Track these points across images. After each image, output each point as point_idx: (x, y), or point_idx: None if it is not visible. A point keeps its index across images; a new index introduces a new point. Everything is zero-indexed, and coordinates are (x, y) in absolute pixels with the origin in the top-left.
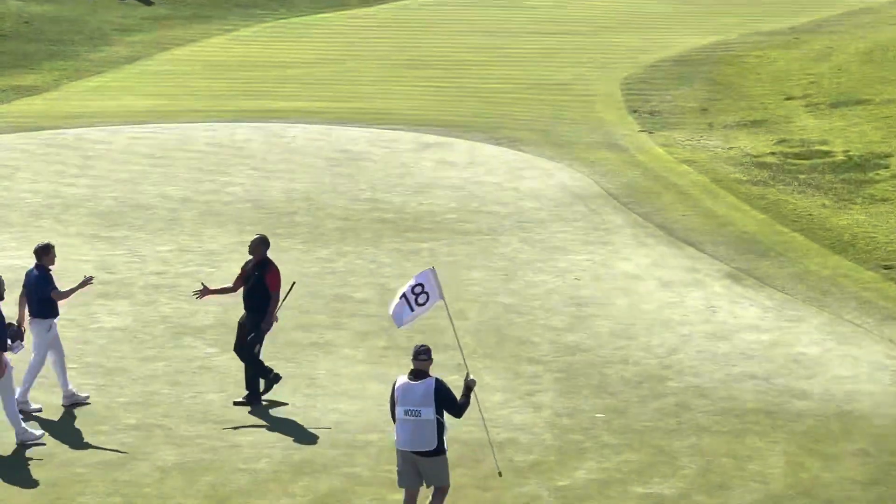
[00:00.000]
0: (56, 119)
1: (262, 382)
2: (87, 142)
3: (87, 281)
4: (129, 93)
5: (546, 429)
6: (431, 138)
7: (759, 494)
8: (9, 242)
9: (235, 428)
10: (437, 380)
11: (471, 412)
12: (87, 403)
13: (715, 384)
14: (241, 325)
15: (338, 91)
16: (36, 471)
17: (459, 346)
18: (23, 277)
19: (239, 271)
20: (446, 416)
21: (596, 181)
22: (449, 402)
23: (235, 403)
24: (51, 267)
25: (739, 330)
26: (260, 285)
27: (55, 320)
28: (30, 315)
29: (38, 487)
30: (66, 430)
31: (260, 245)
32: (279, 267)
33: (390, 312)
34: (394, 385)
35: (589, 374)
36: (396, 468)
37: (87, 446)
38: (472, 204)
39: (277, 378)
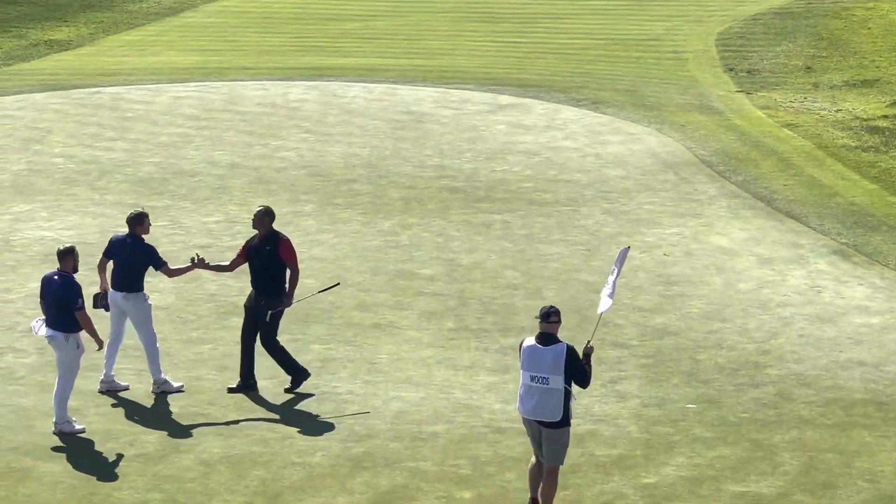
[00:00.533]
0: (91, 76)
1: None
2: (126, 102)
3: (197, 263)
4: (172, 48)
5: (631, 420)
6: (505, 99)
7: (867, 494)
8: (39, 212)
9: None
10: (567, 346)
11: None
12: (126, 388)
13: (819, 372)
14: (249, 309)
15: (402, 47)
16: (68, 463)
17: (597, 322)
18: (55, 248)
19: (240, 248)
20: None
21: (687, 147)
22: (579, 372)
23: (230, 390)
24: (144, 236)
25: (847, 312)
26: (273, 260)
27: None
28: (112, 288)
29: (71, 482)
30: (101, 419)
31: (264, 217)
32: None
33: (607, 303)
34: (521, 346)
35: (679, 360)
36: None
37: (125, 437)
38: (550, 172)
39: (306, 374)
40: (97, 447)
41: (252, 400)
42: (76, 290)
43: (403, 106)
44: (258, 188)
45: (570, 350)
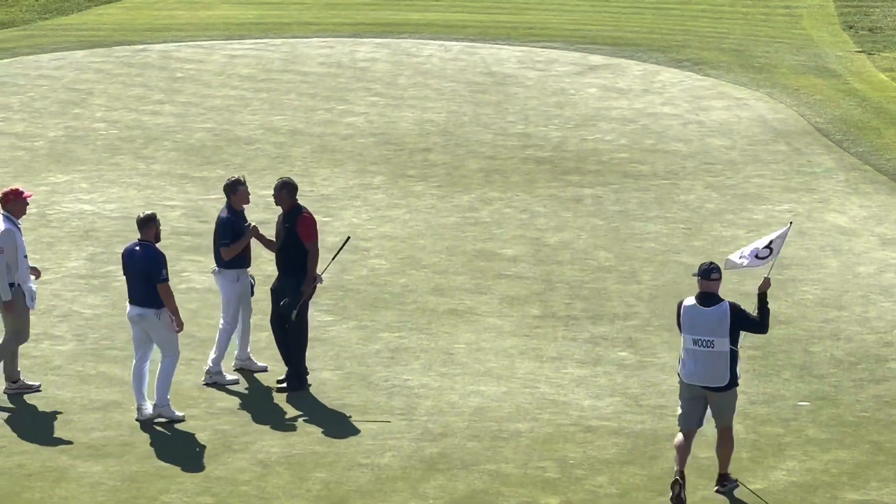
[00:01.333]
0: (137, 32)
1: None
2: (175, 60)
3: (251, 231)
4: (227, 0)
5: (737, 419)
6: (597, 59)
7: None
8: (79, 183)
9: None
10: (731, 304)
11: (644, 397)
12: (265, 369)
13: None
14: (275, 292)
15: (482, 1)
16: (112, 463)
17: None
18: (96, 224)
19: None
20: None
21: (801, 114)
22: (750, 324)
23: (279, 383)
24: (244, 206)
25: None
26: (292, 239)
27: (245, 270)
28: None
29: (113, 483)
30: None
31: (282, 191)
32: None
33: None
34: (679, 306)
35: (791, 353)
36: (679, 405)
37: (174, 434)
38: (647, 141)
39: (304, 384)
40: (141, 445)
41: (313, 393)
42: (161, 260)
43: (484, 66)
44: (321, 158)
45: (735, 308)
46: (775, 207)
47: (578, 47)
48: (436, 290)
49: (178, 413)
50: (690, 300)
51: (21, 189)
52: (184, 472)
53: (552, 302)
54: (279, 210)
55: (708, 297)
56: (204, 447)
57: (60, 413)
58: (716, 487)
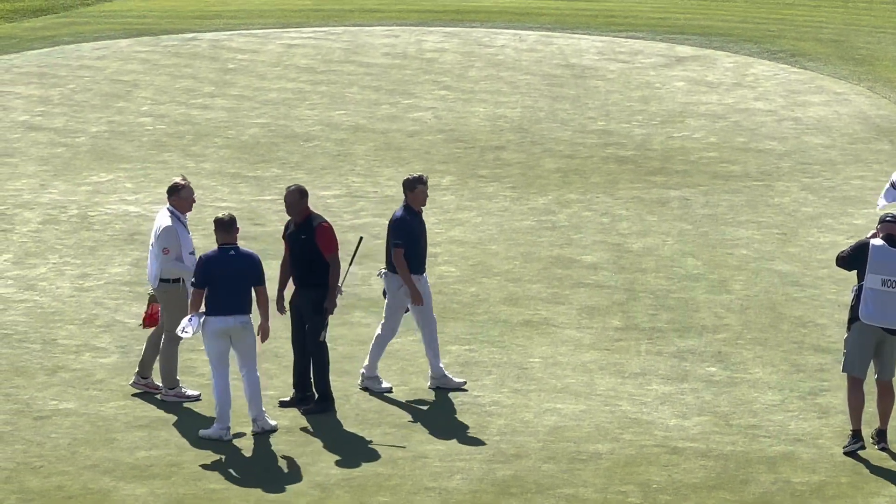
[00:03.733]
0: (186, 20)
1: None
2: (227, 50)
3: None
4: None
5: (835, 440)
6: (685, 50)
7: None
8: (123, 183)
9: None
10: None
11: (735, 416)
12: (464, 386)
13: None
14: (294, 307)
15: None
16: (158, 485)
17: None
18: (141, 227)
19: (284, 242)
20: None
21: None
22: None
23: (282, 406)
24: (422, 208)
25: None
26: (309, 250)
27: (422, 276)
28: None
29: None
30: (193, 432)
31: (296, 197)
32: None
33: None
34: (865, 246)
35: None
36: (846, 349)
37: (225, 454)
38: (739, 139)
39: (330, 406)
40: (190, 466)
41: (376, 411)
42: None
43: (561, 58)
44: (385, 156)
45: None
46: (877, 211)
47: (665, 37)
48: (509, 299)
49: (272, 422)
50: (878, 240)
51: (182, 182)
52: (236, 496)
53: (635, 313)
54: (338, 211)
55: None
56: (258, 468)
57: (103, 431)
58: (880, 444)
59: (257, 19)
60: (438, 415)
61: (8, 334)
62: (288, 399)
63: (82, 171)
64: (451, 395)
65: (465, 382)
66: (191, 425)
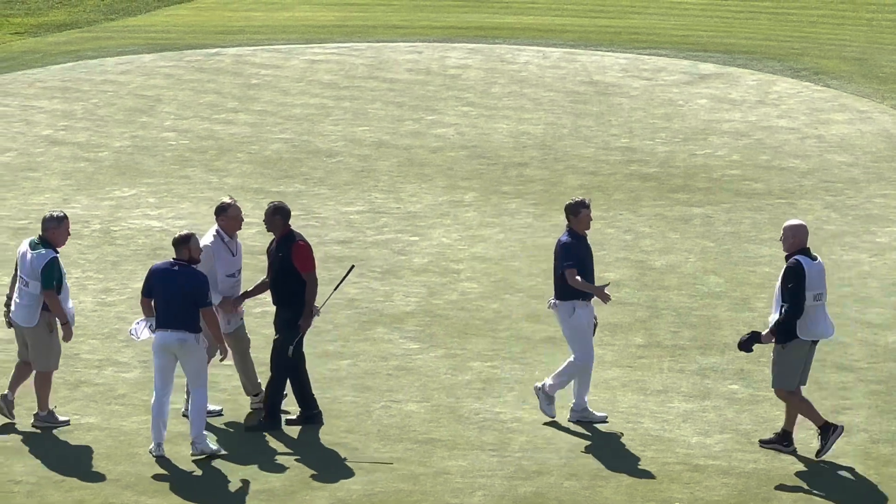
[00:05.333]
0: (210, 35)
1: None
2: (250, 65)
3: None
4: (307, 1)
5: (858, 459)
6: (708, 68)
7: None
8: (146, 197)
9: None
10: None
11: (757, 434)
12: (605, 420)
13: None
14: (276, 325)
15: (584, 3)
16: (178, 500)
17: None
18: (164, 242)
19: (267, 259)
20: None
21: None
22: None
23: (288, 422)
24: (586, 232)
25: None
26: (286, 269)
27: (584, 301)
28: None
29: None
30: (229, 448)
31: (274, 216)
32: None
33: None
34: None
35: None
36: (781, 366)
37: (246, 469)
38: (762, 156)
39: (316, 417)
40: (212, 481)
41: (397, 427)
42: (206, 282)
43: (585, 75)
44: (409, 172)
45: None
46: None
47: (688, 55)
48: (531, 316)
49: (213, 446)
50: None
51: (229, 201)
52: None
53: (657, 330)
54: (361, 226)
55: None
56: (279, 484)
57: (124, 445)
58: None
59: (281, 35)
60: (460, 431)
61: None
62: (294, 417)
63: (105, 186)
64: (472, 411)
65: (607, 417)
66: (212, 442)
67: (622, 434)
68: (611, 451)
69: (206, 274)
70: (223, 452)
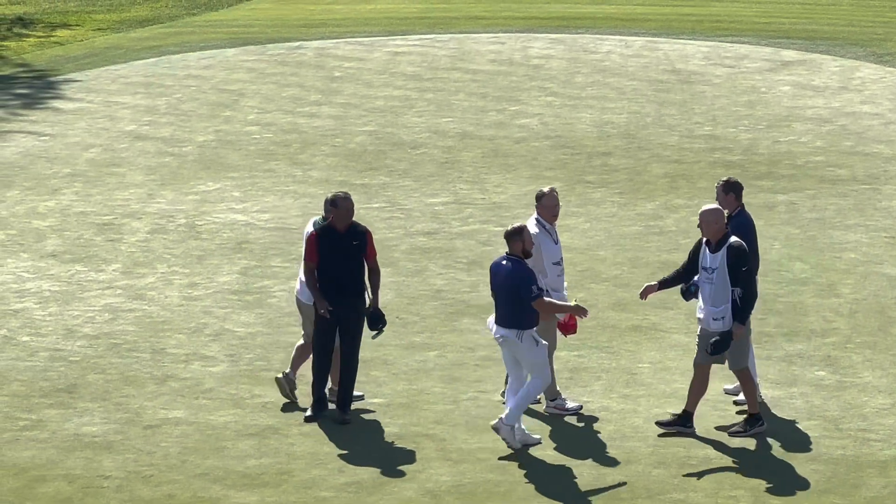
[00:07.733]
0: (292, 28)
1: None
2: (333, 58)
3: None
4: None
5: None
6: (790, 54)
7: None
8: (231, 191)
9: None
10: None
11: (844, 420)
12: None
13: None
14: (332, 314)
15: None
16: (269, 493)
17: None
18: (249, 235)
19: (308, 245)
20: None
21: None
22: None
23: (308, 421)
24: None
25: None
26: (358, 258)
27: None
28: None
29: None
30: (306, 440)
31: (349, 204)
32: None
33: None
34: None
35: None
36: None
37: (333, 461)
38: (846, 143)
39: (346, 418)
40: (300, 474)
41: (485, 418)
42: (530, 275)
43: (668, 63)
44: (493, 163)
45: None
46: None
47: (770, 42)
48: (617, 304)
49: (536, 436)
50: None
51: (545, 190)
52: (345, 503)
53: None
54: (446, 218)
55: None
56: (368, 476)
57: (212, 439)
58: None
59: (363, 27)
60: (547, 421)
61: (117, 344)
62: (310, 413)
63: (189, 181)
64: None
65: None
66: (300, 434)
67: (710, 423)
68: (698, 439)
69: (539, 262)
70: (534, 440)
